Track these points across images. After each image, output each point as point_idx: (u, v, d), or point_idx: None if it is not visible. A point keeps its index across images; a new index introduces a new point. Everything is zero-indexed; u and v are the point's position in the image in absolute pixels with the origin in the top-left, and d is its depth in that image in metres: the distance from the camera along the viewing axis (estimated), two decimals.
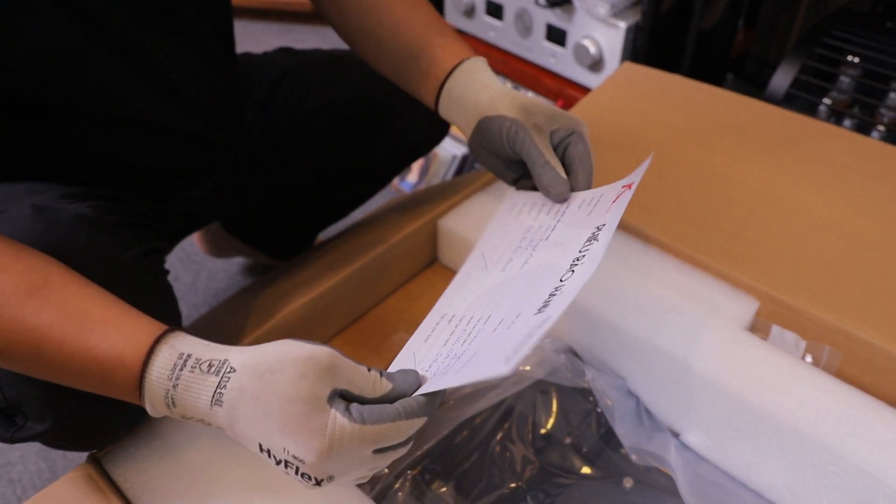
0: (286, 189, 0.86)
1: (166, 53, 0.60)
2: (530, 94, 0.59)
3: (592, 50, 1.19)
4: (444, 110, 0.62)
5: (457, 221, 0.79)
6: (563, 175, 0.56)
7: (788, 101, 1.00)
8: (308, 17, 1.95)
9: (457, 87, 0.60)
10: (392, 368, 0.48)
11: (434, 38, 0.62)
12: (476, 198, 0.82)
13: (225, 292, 1.16)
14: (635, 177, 0.55)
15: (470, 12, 1.42)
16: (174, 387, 0.42)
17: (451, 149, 1.33)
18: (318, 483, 0.41)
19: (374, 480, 0.62)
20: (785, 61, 1.00)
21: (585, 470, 0.66)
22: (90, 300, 0.45)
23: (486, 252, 0.57)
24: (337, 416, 0.39)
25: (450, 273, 0.83)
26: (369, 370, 0.43)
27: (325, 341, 0.75)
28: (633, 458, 0.65)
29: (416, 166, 1.36)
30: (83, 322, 0.43)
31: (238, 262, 1.22)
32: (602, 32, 1.18)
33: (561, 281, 0.48)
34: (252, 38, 1.85)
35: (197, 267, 1.21)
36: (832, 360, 0.66)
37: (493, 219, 0.61)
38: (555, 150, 0.57)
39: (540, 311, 0.44)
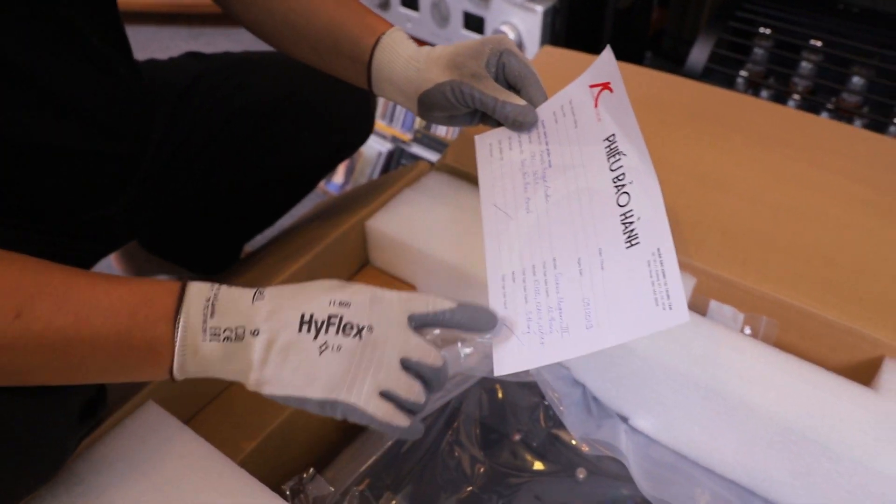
0: (208, 200, 0.82)
1: (52, 67, 0.55)
2: (439, 46, 0.58)
3: (511, 36, 1.18)
4: (380, 92, 0.60)
5: (385, 221, 0.76)
6: (522, 101, 0.55)
7: (707, 75, 1.01)
8: (218, 19, 1.87)
9: (383, 68, 0.58)
10: (494, 343, 0.50)
11: (348, 17, 0.59)
12: (403, 195, 0.80)
13: None
14: (604, 75, 0.55)
15: (385, 4, 1.39)
16: (215, 295, 0.44)
17: (376, 146, 1.29)
18: (360, 333, 0.43)
19: (318, 501, 0.59)
20: (700, 37, 1.01)
21: (538, 465, 0.65)
22: (96, 286, 0.43)
23: (497, 202, 0.55)
24: (377, 289, 0.45)
25: (383, 275, 0.80)
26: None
27: None
28: (584, 448, 0.63)
29: (342, 166, 1.32)
30: (93, 303, 0.42)
31: None
32: (520, 17, 1.16)
33: (621, 205, 0.49)
34: (160, 43, 1.76)
35: None
36: (770, 330, 0.66)
37: (479, 168, 0.59)
38: (496, 79, 0.56)
39: (632, 244, 0.47)
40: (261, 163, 0.82)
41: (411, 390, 0.44)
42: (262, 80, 0.79)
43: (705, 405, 0.60)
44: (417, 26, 1.36)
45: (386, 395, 0.43)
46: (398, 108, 1.30)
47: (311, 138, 0.83)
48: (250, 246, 1.11)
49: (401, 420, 0.44)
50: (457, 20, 1.27)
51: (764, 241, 0.70)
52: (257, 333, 0.43)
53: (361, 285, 0.46)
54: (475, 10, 1.22)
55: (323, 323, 0.43)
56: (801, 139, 0.82)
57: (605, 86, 0.54)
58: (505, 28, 1.18)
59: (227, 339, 0.43)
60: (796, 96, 0.99)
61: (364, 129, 0.86)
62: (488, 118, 0.60)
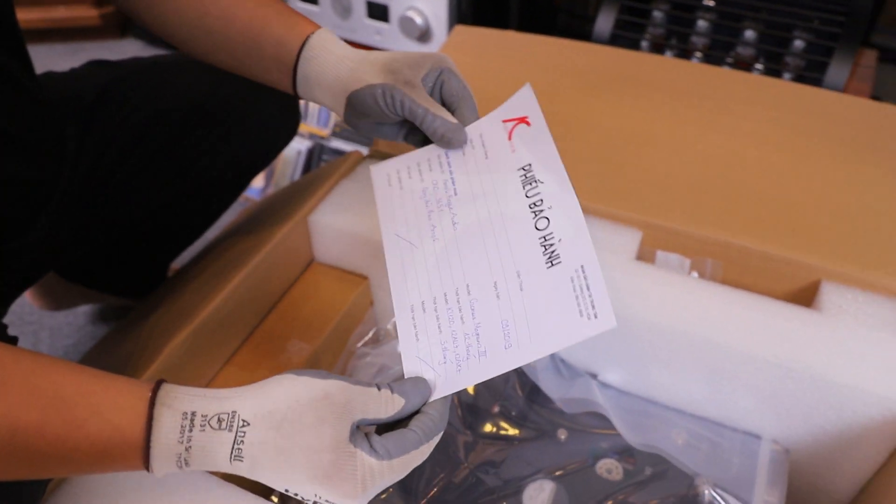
0: (129, 219, 0.77)
1: None
2: (377, 52, 0.56)
3: (419, 20, 1.18)
4: (306, 93, 0.57)
5: (328, 215, 0.75)
6: (454, 120, 0.53)
7: (614, 41, 1.04)
8: (99, 33, 1.76)
9: (312, 67, 0.55)
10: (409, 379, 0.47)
11: (271, 17, 0.56)
12: (342, 187, 0.78)
13: (76, 348, 1.02)
14: (520, 110, 0.54)
15: None
16: (187, 450, 0.39)
17: (294, 144, 1.26)
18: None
19: None
20: (604, 4, 1.04)
21: (521, 433, 0.65)
22: (55, 372, 0.39)
23: (399, 231, 0.53)
24: (364, 458, 0.40)
25: (330, 269, 0.78)
26: (379, 389, 0.42)
27: (218, 369, 0.68)
28: (564, 408, 0.65)
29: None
30: (59, 399, 0.38)
31: (83, 311, 1.08)
32: (425, 1, 1.16)
33: (540, 229, 0.48)
34: (36, 62, 1.63)
35: (35, 327, 1.06)
36: (715, 270, 0.70)
37: (377, 198, 0.57)
38: (430, 95, 0.54)
39: (553, 264, 0.46)
40: (183, 173, 0.77)
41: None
42: (177, 84, 0.74)
43: (671, 349, 0.63)
44: (318, 20, 1.33)
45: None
46: (312, 103, 1.27)
47: (234, 141, 0.79)
48: (177, 262, 1.05)
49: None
50: (360, 10, 1.25)
51: (698, 188, 0.73)
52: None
53: (352, 457, 0.40)
54: None
55: (311, 501, 0.40)
56: (710, 91, 0.86)
57: (522, 120, 0.53)
58: (411, 13, 1.18)
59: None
60: (698, 54, 1.05)
61: (290, 125, 0.83)
62: (413, 135, 0.58)
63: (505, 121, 0.54)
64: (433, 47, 1.21)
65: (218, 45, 0.57)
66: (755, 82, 0.90)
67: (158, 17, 0.58)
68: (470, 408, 0.66)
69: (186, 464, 0.39)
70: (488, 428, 0.65)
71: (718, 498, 0.60)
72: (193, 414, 0.39)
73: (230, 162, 0.79)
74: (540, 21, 1.30)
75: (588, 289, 0.44)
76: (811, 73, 1.00)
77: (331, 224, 0.74)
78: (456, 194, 0.53)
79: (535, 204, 0.49)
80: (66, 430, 0.38)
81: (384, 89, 0.52)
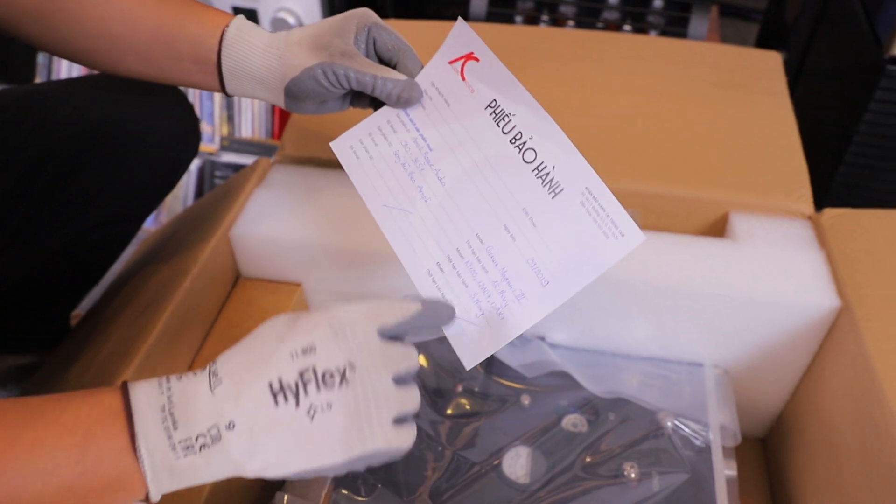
0: (26, 265, 0.70)
1: None
2: (297, 29, 0.54)
3: (291, 21, 1.15)
4: (236, 90, 0.54)
5: (251, 226, 0.71)
6: (402, 76, 0.52)
7: (491, 19, 1.07)
8: None
9: (237, 63, 0.52)
10: (451, 338, 0.48)
11: (179, 14, 0.52)
12: (257, 196, 0.75)
13: None
14: (462, 47, 0.53)
15: None
16: (169, 399, 0.37)
17: None
18: (343, 377, 0.38)
19: None
20: None
21: (486, 406, 0.66)
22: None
23: (386, 202, 0.52)
24: (330, 307, 0.41)
25: (260, 282, 0.75)
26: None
27: None
28: (525, 372, 0.66)
29: None
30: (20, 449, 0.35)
31: None
32: (296, 0, 1.14)
33: (529, 161, 0.47)
34: None
35: None
36: (636, 219, 0.73)
37: (351, 175, 0.54)
38: (367, 56, 0.53)
39: (556, 193, 0.46)
40: (83, 209, 0.71)
41: (413, 402, 0.41)
42: (64, 113, 0.68)
43: (614, 298, 0.66)
44: None
45: (396, 421, 0.40)
46: None
47: (136, 167, 0.73)
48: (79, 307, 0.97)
49: (412, 432, 0.41)
50: None
51: (606, 147, 0.77)
52: (233, 427, 0.37)
53: (313, 315, 0.41)
54: (244, 3, 1.17)
55: (297, 385, 0.38)
56: (599, 54, 0.90)
57: (468, 57, 0.52)
58: (283, 15, 1.15)
59: (203, 446, 0.36)
60: (570, 23, 1.09)
61: (192, 142, 0.78)
62: (360, 100, 0.56)
63: (451, 62, 0.53)
64: None
65: (125, 52, 0.53)
66: (634, 41, 0.95)
67: (49, 28, 0.53)
68: (436, 391, 0.66)
69: (173, 419, 0.37)
70: (457, 408, 0.65)
71: (681, 426, 0.64)
72: (168, 378, 0.39)
73: (134, 189, 0.74)
74: (413, 9, 1.31)
75: (603, 209, 0.45)
76: (674, 28, 1.07)
77: (254, 235, 0.71)
78: (431, 150, 0.52)
79: (515, 138, 0.49)
80: (39, 482, 0.34)
81: (323, 68, 0.50)
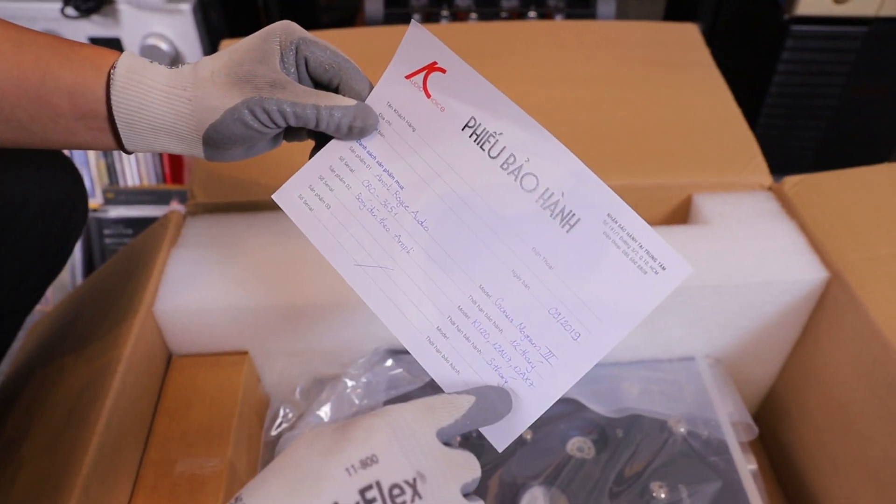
0: None
1: None
2: (205, 59, 0.43)
3: (165, 47, 1.02)
4: (138, 145, 0.43)
5: (179, 297, 0.60)
6: (350, 100, 0.42)
7: (389, 21, 0.99)
8: None
9: (134, 114, 0.41)
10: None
11: (46, 58, 0.40)
12: (176, 258, 0.64)
13: None
14: (420, 57, 0.43)
15: None
16: None
17: None
18: (414, 490, 0.32)
19: None
20: None
21: (488, 454, 0.60)
22: None
23: (358, 259, 0.42)
24: (380, 409, 0.35)
25: (199, 359, 0.64)
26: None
27: None
28: None
29: None
30: None
31: None
32: (166, 24, 1.00)
33: (530, 190, 0.40)
34: None
35: None
36: None
37: (306, 231, 0.44)
38: (301, 82, 0.43)
39: (572, 226, 0.39)
40: None
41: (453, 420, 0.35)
42: None
43: None
44: None
45: None
46: None
47: (11, 251, 0.60)
48: None
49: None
50: None
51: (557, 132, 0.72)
52: None
53: (365, 419, 0.34)
54: (104, 32, 1.02)
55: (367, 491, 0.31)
56: (523, 45, 0.85)
57: (431, 67, 0.43)
58: (153, 41, 1.01)
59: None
60: (473, 15, 1.04)
61: (79, 205, 0.65)
62: (296, 133, 0.46)
63: (409, 76, 0.43)
64: None
65: None
66: (553, 28, 0.91)
67: None
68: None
69: None
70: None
71: (694, 429, 0.60)
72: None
73: (16, 276, 0.60)
74: (303, 21, 1.20)
75: (634, 239, 0.37)
76: (580, 10, 1.04)
77: (183, 307, 0.60)
78: (402, 187, 0.42)
79: (507, 163, 0.40)
80: None
81: (250, 107, 0.40)
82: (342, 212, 0.43)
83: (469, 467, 0.35)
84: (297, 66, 0.43)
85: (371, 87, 0.44)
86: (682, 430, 0.61)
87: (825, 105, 1.02)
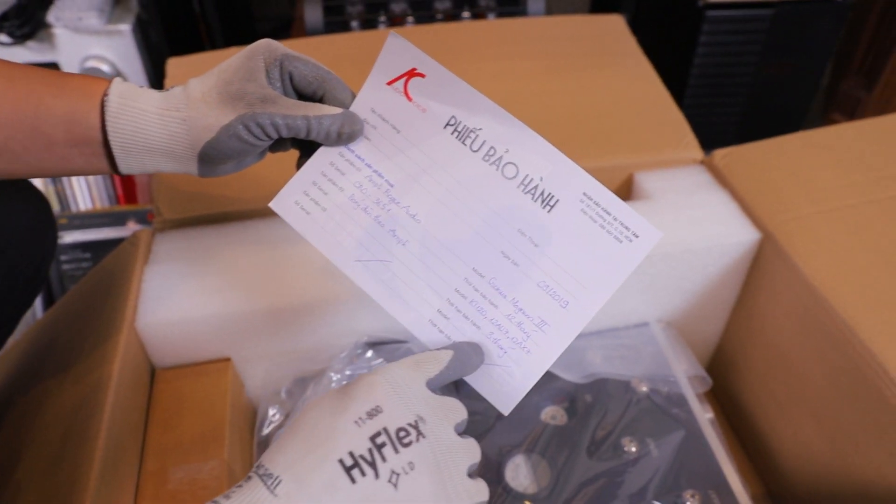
0: None
1: None
2: (193, 81, 0.45)
3: (106, 69, 1.01)
4: (133, 167, 0.45)
5: (159, 312, 0.62)
6: (336, 109, 0.46)
7: (329, 30, 1.02)
8: None
9: (130, 138, 0.43)
10: (479, 387, 0.45)
11: (39, 90, 0.43)
12: (150, 275, 0.65)
13: None
14: (400, 64, 0.47)
15: None
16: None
17: None
18: (417, 430, 0.37)
19: None
20: (308, 2, 1.01)
21: (468, 430, 0.64)
22: None
23: (358, 256, 0.45)
24: (375, 370, 0.39)
25: (182, 370, 0.66)
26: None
27: None
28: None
29: None
30: None
31: None
32: (105, 46, 1.00)
33: (511, 177, 0.44)
34: None
35: None
36: None
37: (304, 234, 0.47)
38: (287, 95, 0.46)
39: (552, 206, 0.43)
40: None
41: (477, 452, 0.39)
42: None
43: None
44: None
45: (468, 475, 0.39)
46: None
47: None
48: None
49: (485, 484, 0.40)
50: None
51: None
52: None
53: (363, 378, 0.38)
54: (39, 57, 1.01)
55: (371, 452, 0.35)
56: (465, 45, 0.89)
57: (411, 74, 0.47)
58: (93, 63, 1.01)
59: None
60: (410, 19, 1.08)
61: (49, 234, 0.65)
62: (280, 144, 0.49)
63: (390, 83, 0.47)
64: None
65: None
66: (490, 27, 0.96)
67: None
68: None
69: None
70: None
71: (655, 387, 0.66)
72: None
73: None
74: (240, 35, 1.21)
75: (608, 212, 0.43)
76: (511, 8, 1.09)
77: (164, 321, 0.62)
78: (392, 185, 0.46)
79: (488, 154, 0.45)
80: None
81: (244, 122, 0.43)
82: (338, 213, 0.47)
83: (459, 410, 0.40)
84: (283, 81, 0.46)
85: (353, 96, 0.48)
86: (644, 388, 0.66)
87: (742, 83, 1.11)
